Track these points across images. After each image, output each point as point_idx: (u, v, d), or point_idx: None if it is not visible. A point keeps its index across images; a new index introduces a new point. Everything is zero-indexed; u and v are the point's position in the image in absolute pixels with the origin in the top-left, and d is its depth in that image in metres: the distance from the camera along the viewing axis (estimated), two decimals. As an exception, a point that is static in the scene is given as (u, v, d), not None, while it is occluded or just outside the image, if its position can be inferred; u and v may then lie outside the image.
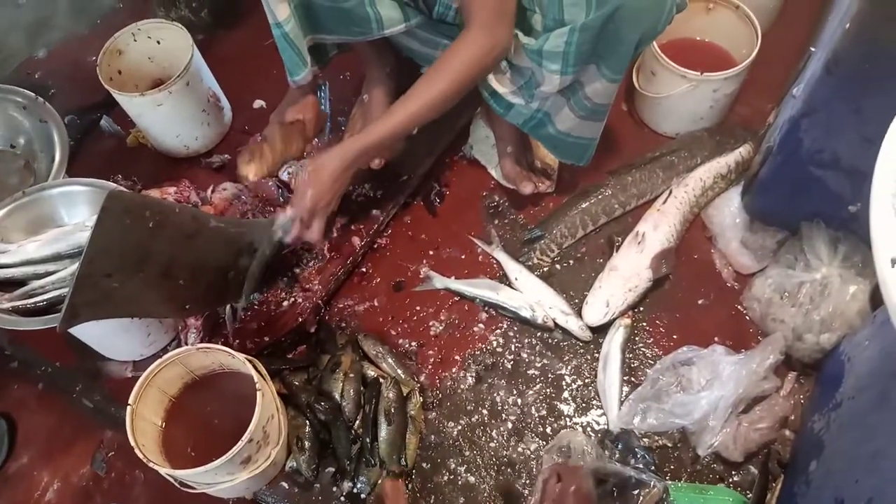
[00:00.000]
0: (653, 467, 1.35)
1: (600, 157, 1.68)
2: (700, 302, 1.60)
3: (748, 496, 1.35)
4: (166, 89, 1.67)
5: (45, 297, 1.39)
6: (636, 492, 1.29)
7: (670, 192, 1.67)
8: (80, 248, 1.35)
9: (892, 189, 0.73)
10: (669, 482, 1.35)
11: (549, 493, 1.25)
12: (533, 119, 1.51)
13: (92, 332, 1.51)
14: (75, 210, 1.52)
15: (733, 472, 1.40)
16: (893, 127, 0.79)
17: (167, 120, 1.77)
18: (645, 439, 1.44)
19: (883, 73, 1.13)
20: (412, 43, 1.52)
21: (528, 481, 1.42)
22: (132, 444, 1.23)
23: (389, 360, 1.55)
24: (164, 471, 1.24)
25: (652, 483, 1.29)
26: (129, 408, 1.27)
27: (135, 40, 1.80)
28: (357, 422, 1.47)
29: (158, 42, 1.81)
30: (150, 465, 1.22)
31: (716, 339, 1.52)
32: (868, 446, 1.06)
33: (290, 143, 1.72)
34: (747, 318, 1.56)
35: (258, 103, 1.98)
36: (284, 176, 1.74)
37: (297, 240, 1.47)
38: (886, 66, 1.12)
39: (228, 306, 1.54)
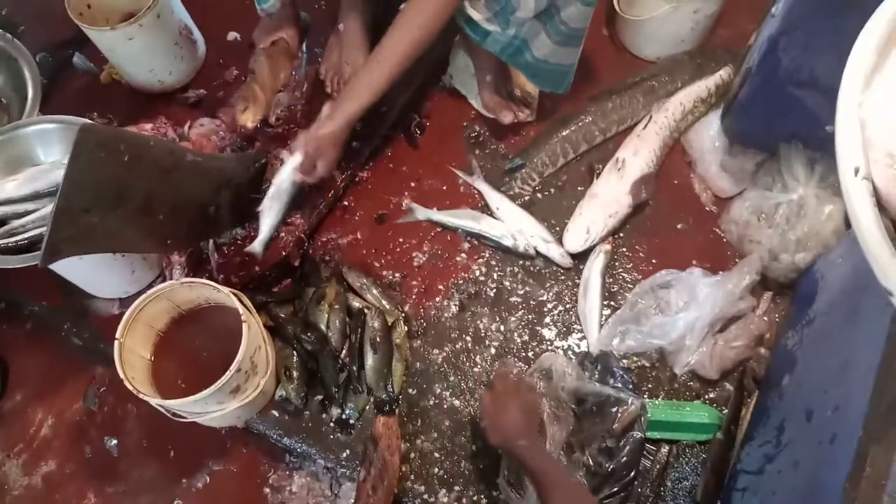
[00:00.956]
0: (631, 386, 1.39)
1: (580, 84, 1.67)
2: (679, 226, 1.62)
3: (724, 412, 1.40)
4: (136, 22, 1.63)
5: (27, 235, 1.38)
6: (615, 409, 1.33)
7: (650, 118, 1.67)
8: (59, 185, 1.35)
9: (857, 99, 0.73)
10: (647, 400, 1.40)
11: (484, 405, 1.26)
12: (510, 46, 1.49)
13: (76, 271, 1.51)
14: (51, 148, 1.50)
15: (709, 390, 1.45)
16: (861, 36, 0.79)
17: (140, 54, 1.73)
18: (624, 360, 1.48)
19: (860, -12, 1.12)
20: (386, -31, 1.49)
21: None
22: (121, 376, 1.25)
23: (374, 290, 1.57)
24: (155, 401, 1.27)
25: (630, 401, 1.33)
26: (116, 342, 1.28)
27: (102, -28, 1.74)
28: (343, 351, 1.50)
29: (127, -26, 1.76)
30: (140, 396, 1.25)
31: (694, 262, 1.54)
32: (837, 358, 1.10)
33: (278, 70, 1.70)
34: (725, 240, 1.58)
35: (232, 35, 1.93)
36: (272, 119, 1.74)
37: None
38: (864, -21, 1.11)
39: (211, 241, 1.55)
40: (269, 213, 1.54)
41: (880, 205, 0.71)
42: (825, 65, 1.28)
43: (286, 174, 1.50)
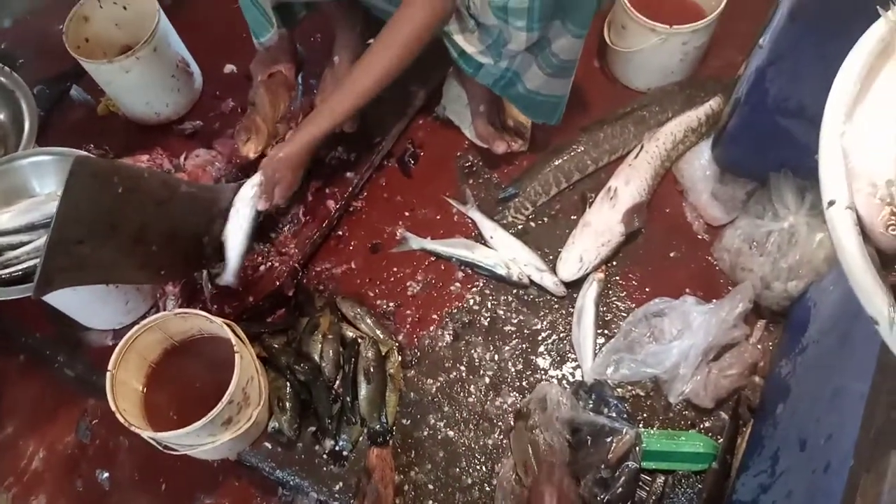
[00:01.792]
0: (625, 416, 1.39)
1: (572, 114, 1.69)
2: (672, 254, 1.62)
3: (719, 441, 1.39)
4: (133, 55, 1.65)
5: (21, 266, 1.39)
6: (609, 439, 1.32)
7: (642, 147, 1.68)
8: (53, 217, 1.36)
9: (840, 129, 0.75)
10: (642, 429, 1.39)
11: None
12: (503, 78, 1.51)
13: (71, 302, 1.51)
14: (46, 180, 1.51)
15: (704, 419, 1.44)
16: (842, 69, 0.80)
17: (136, 87, 1.75)
18: (619, 389, 1.47)
19: (845, 18, 1.13)
20: (379, 2, 1.51)
21: (503, 436, 1.46)
22: (113, 408, 1.25)
23: (368, 320, 1.57)
24: (147, 434, 1.26)
25: (624, 430, 1.33)
26: (108, 373, 1.28)
27: (101, 7, 1.77)
28: (337, 382, 1.50)
29: (125, 8, 1.78)
30: (132, 428, 1.24)
31: (687, 290, 1.55)
32: (829, 386, 1.10)
33: (278, 101, 1.72)
34: (717, 268, 1.59)
35: (229, 68, 1.96)
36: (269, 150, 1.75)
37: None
38: (847, 12, 1.13)
39: (205, 272, 1.55)
40: (233, 239, 1.48)
41: (864, 233, 0.71)
42: (812, 95, 1.29)
43: (246, 197, 1.47)
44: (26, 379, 1.66)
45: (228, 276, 1.49)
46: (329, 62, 1.77)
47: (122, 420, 1.24)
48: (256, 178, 1.46)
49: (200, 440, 1.31)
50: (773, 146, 1.44)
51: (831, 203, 0.70)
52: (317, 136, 1.44)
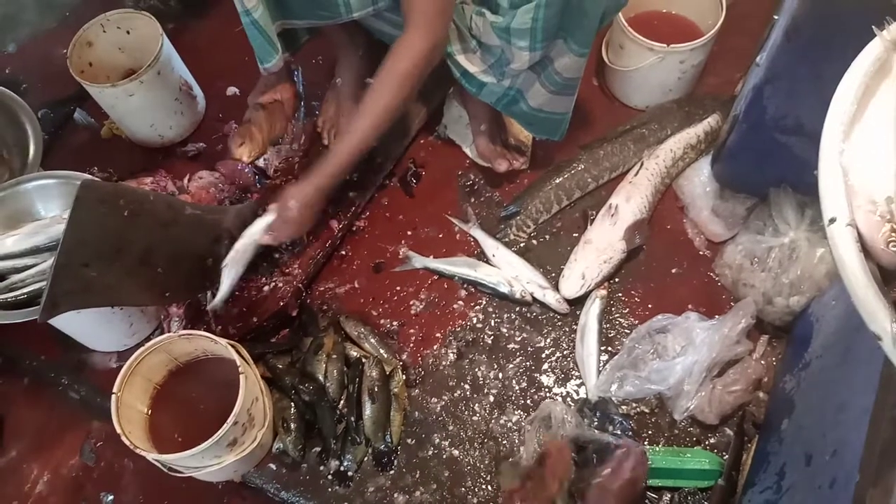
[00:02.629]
0: (630, 433, 1.39)
1: (573, 132, 1.71)
2: (673, 271, 1.63)
3: (724, 457, 1.39)
4: (137, 79, 1.67)
5: (26, 290, 1.40)
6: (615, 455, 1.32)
7: (642, 164, 1.70)
8: (58, 240, 1.36)
9: (839, 147, 0.76)
10: (647, 447, 1.39)
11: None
12: (506, 97, 1.53)
13: (75, 324, 1.52)
14: (51, 203, 1.53)
15: (709, 435, 1.44)
16: (839, 88, 0.81)
17: (140, 110, 1.77)
18: (623, 406, 1.47)
19: (839, 38, 1.15)
20: (382, 25, 1.53)
21: (513, 450, 1.46)
22: (118, 431, 1.25)
23: (371, 339, 1.57)
24: (152, 456, 1.26)
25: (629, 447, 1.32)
26: (113, 396, 1.28)
27: (104, 31, 1.79)
28: (342, 402, 1.50)
29: (128, 32, 1.81)
30: (137, 451, 1.24)
31: (689, 306, 1.55)
32: (833, 401, 1.10)
33: (274, 123, 1.75)
34: (719, 284, 1.59)
35: (231, 90, 1.98)
36: (261, 163, 1.77)
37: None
38: (843, 30, 1.14)
39: (209, 293, 1.56)
40: (232, 270, 1.50)
41: (865, 250, 0.72)
42: (810, 112, 1.30)
43: (256, 233, 1.49)
44: (31, 402, 1.66)
45: (218, 302, 1.50)
46: (331, 83, 1.78)
47: (127, 442, 1.24)
48: (268, 218, 1.48)
49: (205, 462, 1.31)
50: (772, 162, 1.45)
51: (832, 220, 0.70)
52: (329, 180, 1.47)
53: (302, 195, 1.46)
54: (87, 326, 1.54)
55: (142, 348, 1.34)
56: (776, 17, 1.54)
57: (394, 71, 1.38)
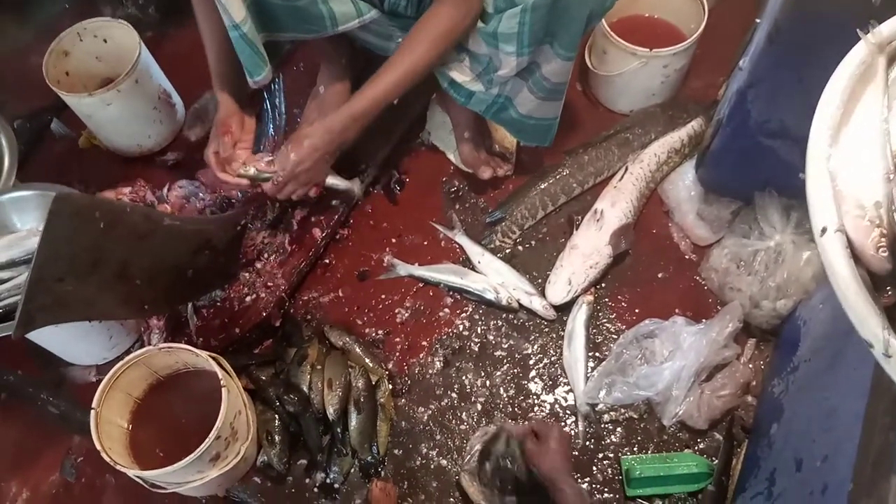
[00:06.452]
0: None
1: (557, 138, 1.69)
2: (660, 275, 1.62)
3: (714, 462, 1.39)
4: (115, 88, 1.64)
5: (2, 304, 1.36)
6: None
7: (626, 169, 1.69)
8: (34, 254, 1.33)
9: (826, 153, 0.75)
10: (635, 456, 1.38)
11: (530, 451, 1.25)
12: (494, 105, 1.52)
13: (53, 338, 1.49)
14: (27, 216, 1.49)
15: (699, 440, 1.43)
16: (824, 93, 0.81)
17: (118, 119, 1.74)
18: (612, 412, 1.46)
19: (822, 41, 1.15)
20: (368, 36, 1.51)
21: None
22: (98, 447, 1.23)
23: (357, 349, 1.55)
24: (133, 472, 1.23)
25: None
26: (92, 411, 1.26)
27: (81, 40, 1.76)
28: (330, 409, 1.47)
29: (105, 41, 1.78)
30: (118, 467, 1.22)
31: (676, 310, 1.54)
32: (823, 405, 1.10)
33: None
34: (706, 288, 1.59)
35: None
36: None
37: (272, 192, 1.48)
38: (825, 33, 1.14)
39: (190, 305, 1.53)
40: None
41: (855, 256, 0.71)
42: (793, 115, 1.31)
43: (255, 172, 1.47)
44: (8, 418, 1.62)
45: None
46: (313, 91, 1.76)
47: (107, 459, 1.22)
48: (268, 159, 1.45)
49: (188, 477, 1.28)
50: (756, 166, 1.45)
51: (824, 231, 0.69)
52: (344, 123, 1.42)
53: (314, 143, 1.42)
54: (66, 340, 1.51)
55: (121, 362, 1.31)
56: (758, 20, 1.54)
57: (426, 31, 1.36)
